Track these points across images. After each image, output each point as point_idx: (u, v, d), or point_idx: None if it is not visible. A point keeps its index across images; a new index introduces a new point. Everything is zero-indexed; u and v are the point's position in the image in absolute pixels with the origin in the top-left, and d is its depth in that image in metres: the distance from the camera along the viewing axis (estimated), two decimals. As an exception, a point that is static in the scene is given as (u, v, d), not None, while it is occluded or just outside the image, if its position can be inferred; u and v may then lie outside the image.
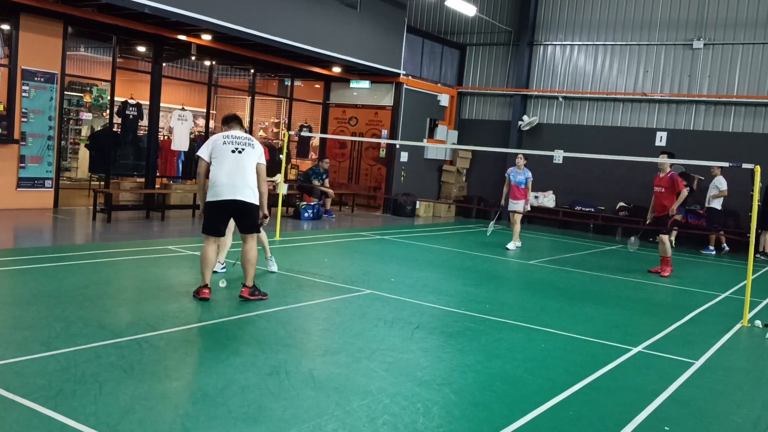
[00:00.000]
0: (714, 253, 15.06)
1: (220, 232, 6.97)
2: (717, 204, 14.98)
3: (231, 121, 7.16)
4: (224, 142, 6.85)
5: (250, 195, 6.80)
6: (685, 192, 10.82)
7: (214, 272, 7.55)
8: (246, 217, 6.89)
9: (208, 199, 6.81)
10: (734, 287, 10.38)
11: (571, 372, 5.48)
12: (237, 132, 7.02)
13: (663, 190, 10.89)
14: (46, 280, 7.26)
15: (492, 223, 13.71)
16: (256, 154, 6.91)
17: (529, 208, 13.44)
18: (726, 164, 8.21)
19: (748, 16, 16.31)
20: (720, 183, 14.83)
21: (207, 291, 6.85)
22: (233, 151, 6.79)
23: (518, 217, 13.08)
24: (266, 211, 7.03)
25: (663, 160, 10.70)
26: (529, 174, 13.04)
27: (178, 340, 5.54)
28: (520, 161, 12.95)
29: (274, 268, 8.55)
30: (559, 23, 18.71)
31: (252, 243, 6.95)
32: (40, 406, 3.95)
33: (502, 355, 5.87)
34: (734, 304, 8.89)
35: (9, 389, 4.14)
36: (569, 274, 10.74)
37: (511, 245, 12.92)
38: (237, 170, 6.74)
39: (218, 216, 6.87)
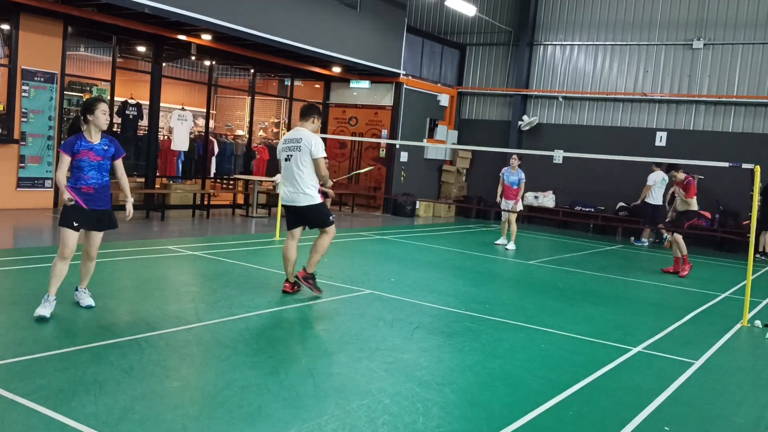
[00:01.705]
0: (646, 244, 15.71)
1: (291, 226, 7.52)
2: (650, 199, 15.04)
3: (301, 116, 7.57)
4: (281, 149, 7.44)
5: (304, 199, 7.27)
6: (690, 201, 11.00)
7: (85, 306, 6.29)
8: (308, 217, 7.41)
9: (281, 201, 7.62)
10: (734, 287, 10.38)
11: (571, 372, 5.48)
12: (294, 133, 7.42)
13: (684, 194, 11.09)
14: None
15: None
16: (305, 155, 7.24)
17: (520, 208, 13.49)
18: (726, 164, 8.20)
19: (748, 16, 16.31)
20: (650, 178, 14.95)
21: (287, 285, 7.47)
22: (285, 159, 7.37)
23: (513, 217, 13.09)
24: (329, 191, 7.78)
25: (656, 160, 10.96)
26: (522, 175, 13.10)
27: (178, 340, 5.54)
28: (515, 162, 13.00)
29: (85, 302, 6.27)
30: (559, 23, 18.72)
31: (326, 235, 7.42)
32: (40, 406, 3.95)
33: (502, 355, 5.87)
34: (734, 304, 8.89)
35: (9, 389, 4.14)
36: (569, 274, 10.74)
37: (510, 245, 12.94)
38: (288, 178, 7.35)
39: (288, 215, 7.56)
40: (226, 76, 19.31)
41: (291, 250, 7.44)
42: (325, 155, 7.35)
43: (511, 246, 12.92)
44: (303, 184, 7.24)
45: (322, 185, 7.56)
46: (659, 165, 14.64)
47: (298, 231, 7.52)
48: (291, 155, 7.29)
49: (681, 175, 11.19)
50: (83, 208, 5.85)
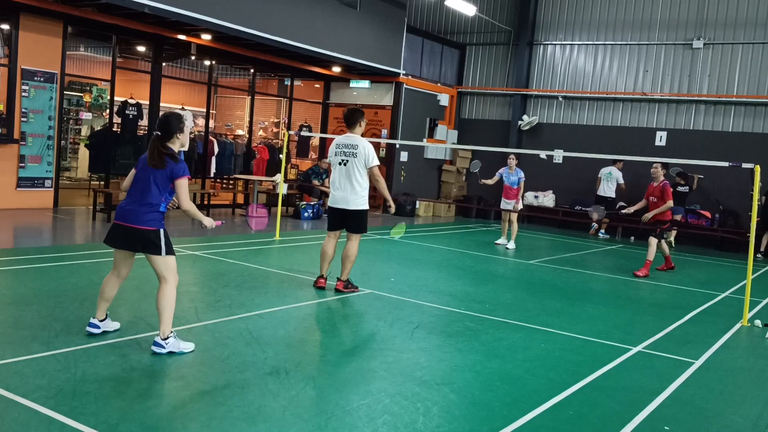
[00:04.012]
0: (608, 236, 16.66)
1: (333, 228, 7.79)
2: (600, 191, 16.58)
3: (348, 124, 7.82)
4: (335, 153, 7.71)
5: (355, 203, 7.56)
6: (670, 203, 10.76)
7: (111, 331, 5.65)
8: (351, 220, 7.65)
9: (329, 203, 7.85)
10: (734, 287, 10.38)
11: (571, 372, 5.48)
12: (347, 138, 7.71)
13: (656, 200, 10.84)
14: (46, 280, 7.26)
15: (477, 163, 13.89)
16: (361, 161, 7.57)
17: (521, 207, 13.65)
18: (726, 164, 8.21)
19: (748, 16, 16.31)
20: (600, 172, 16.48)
21: (322, 281, 7.78)
22: (340, 163, 7.63)
23: (515, 216, 13.16)
24: (390, 201, 7.88)
25: (657, 160, 10.91)
26: (522, 174, 13.20)
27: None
28: (512, 162, 13.08)
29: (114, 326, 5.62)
30: (559, 23, 18.71)
31: (353, 242, 7.66)
32: (40, 406, 3.95)
33: (502, 355, 5.87)
34: (734, 304, 8.90)
35: (9, 389, 4.14)
36: (569, 274, 10.73)
37: (510, 244, 12.97)
38: (342, 182, 7.60)
39: (333, 217, 7.79)
40: (226, 75, 19.32)
41: (331, 248, 7.75)
42: (379, 163, 7.67)
43: (512, 245, 12.95)
44: (359, 188, 7.57)
45: (385, 202, 7.91)
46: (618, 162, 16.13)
47: (338, 233, 7.80)
48: (347, 160, 7.59)
49: (661, 174, 10.84)
50: None
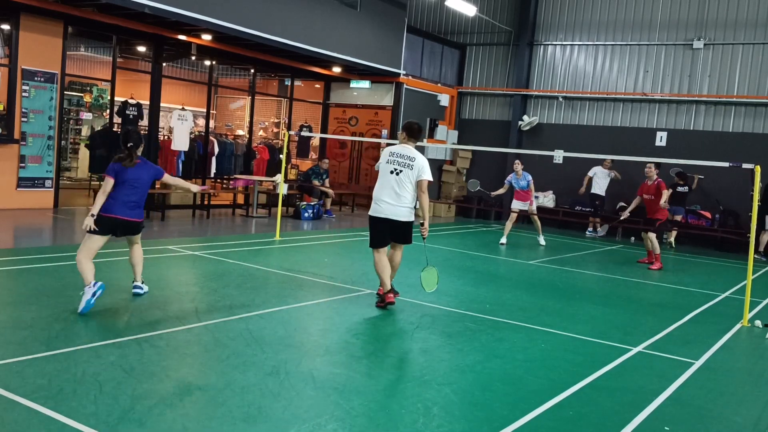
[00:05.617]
0: (599, 235, 16.86)
1: (383, 244, 7.37)
2: (596, 190, 16.93)
3: (412, 134, 7.41)
4: (387, 161, 7.32)
5: (404, 214, 7.27)
6: (666, 192, 11.60)
7: (137, 294, 6.82)
8: (400, 231, 7.39)
9: (371, 213, 7.41)
10: (734, 287, 10.38)
11: (571, 372, 5.48)
12: (404, 149, 7.35)
13: (653, 197, 11.57)
14: (46, 280, 7.26)
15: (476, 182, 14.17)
16: (415, 173, 7.23)
17: (535, 207, 14.13)
18: (726, 164, 8.20)
19: (748, 16, 16.31)
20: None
21: (391, 295, 7.27)
22: (392, 172, 7.26)
23: (535, 216, 13.78)
24: (427, 223, 7.42)
25: (653, 159, 11.42)
26: (530, 177, 13.62)
27: (178, 340, 5.54)
28: (518, 167, 13.46)
29: (141, 290, 6.85)
30: (559, 23, 18.71)
31: (400, 251, 7.55)
32: (40, 406, 3.95)
33: (502, 355, 5.87)
34: (734, 304, 8.89)
35: (9, 389, 4.14)
36: (569, 274, 10.74)
37: (541, 240, 13.75)
38: (389, 192, 7.26)
39: (378, 229, 7.35)
40: (226, 76, 19.32)
41: (385, 262, 7.33)
42: (431, 179, 7.37)
43: (542, 240, 13.67)
44: (408, 200, 7.28)
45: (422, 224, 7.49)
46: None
47: (386, 248, 7.43)
48: (401, 170, 7.24)
49: (654, 173, 11.57)
50: None
